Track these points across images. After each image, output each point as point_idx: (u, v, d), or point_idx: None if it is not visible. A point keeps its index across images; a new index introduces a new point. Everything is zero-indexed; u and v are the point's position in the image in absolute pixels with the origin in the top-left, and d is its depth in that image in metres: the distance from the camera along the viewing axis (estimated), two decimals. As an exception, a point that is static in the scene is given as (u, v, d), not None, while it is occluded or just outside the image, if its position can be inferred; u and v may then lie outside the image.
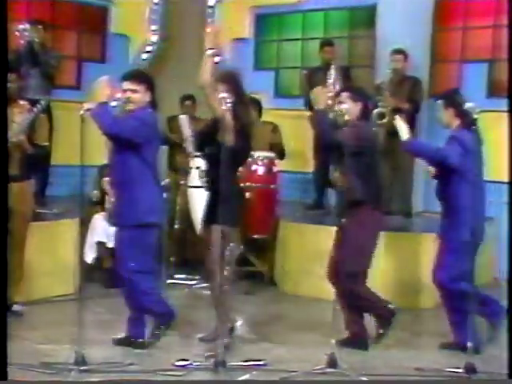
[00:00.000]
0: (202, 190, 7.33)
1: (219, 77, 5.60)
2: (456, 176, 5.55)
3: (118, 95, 5.31)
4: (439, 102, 5.80)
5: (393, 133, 7.79)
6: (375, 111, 7.85)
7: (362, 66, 9.14)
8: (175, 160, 8.48)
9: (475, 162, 5.57)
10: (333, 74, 8.09)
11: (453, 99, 5.78)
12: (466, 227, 5.41)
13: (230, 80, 5.64)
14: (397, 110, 7.81)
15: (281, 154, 7.97)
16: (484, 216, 5.75)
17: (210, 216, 5.54)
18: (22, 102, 6.12)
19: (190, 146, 7.74)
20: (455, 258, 5.51)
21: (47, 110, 7.13)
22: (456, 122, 5.68)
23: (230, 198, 5.28)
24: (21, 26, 7.42)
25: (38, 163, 7.31)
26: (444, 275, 5.56)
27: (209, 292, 5.75)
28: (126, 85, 5.39)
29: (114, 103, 5.23)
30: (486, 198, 5.78)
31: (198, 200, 7.53)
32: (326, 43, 8.66)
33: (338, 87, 7.99)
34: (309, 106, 8.50)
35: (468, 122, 5.63)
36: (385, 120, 7.81)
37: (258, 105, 8.17)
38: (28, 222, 6.29)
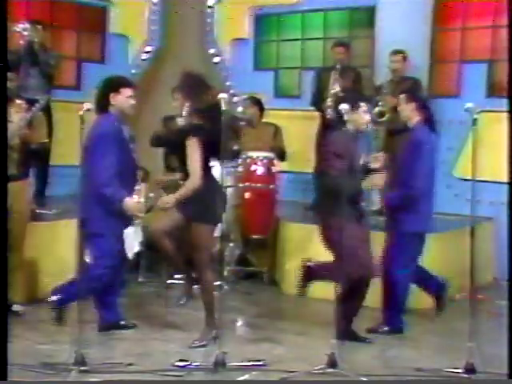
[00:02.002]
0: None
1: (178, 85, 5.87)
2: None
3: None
4: (401, 96, 6.02)
5: (393, 132, 7.85)
6: (375, 110, 7.89)
7: (361, 66, 9.13)
8: (172, 160, 8.46)
9: (432, 156, 5.92)
10: (335, 74, 8.12)
11: (414, 94, 6.06)
12: (419, 222, 5.86)
13: (186, 86, 5.73)
14: (396, 111, 7.83)
15: (282, 156, 7.97)
16: (432, 207, 6.03)
17: (188, 213, 5.59)
18: (19, 102, 6.13)
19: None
20: (404, 250, 5.88)
21: (47, 110, 7.13)
22: (416, 117, 5.92)
23: (205, 195, 5.41)
24: (20, 26, 7.42)
25: (37, 161, 7.32)
26: (393, 266, 5.87)
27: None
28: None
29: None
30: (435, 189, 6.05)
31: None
32: (339, 43, 8.61)
33: (337, 87, 8.04)
34: (315, 104, 8.54)
35: (427, 116, 5.94)
36: (384, 118, 7.84)
37: (259, 105, 8.18)
38: (26, 221, 6.30)
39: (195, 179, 5.51)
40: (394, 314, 6.05)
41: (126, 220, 5.82)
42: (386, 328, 6.04)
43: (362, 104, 5.74)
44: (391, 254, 5.97)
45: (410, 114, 5.97)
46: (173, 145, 5.89)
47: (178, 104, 5.84)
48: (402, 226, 5.92)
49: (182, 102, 5.70)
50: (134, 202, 5.54)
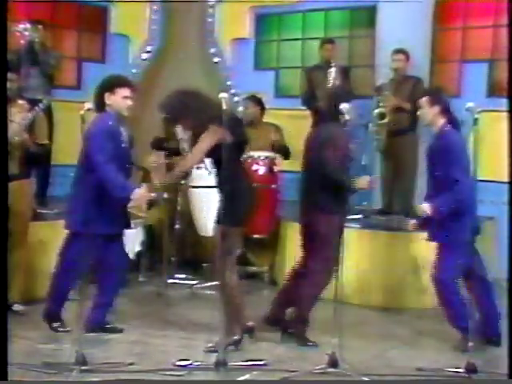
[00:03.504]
0: (203, 190, 7.39)
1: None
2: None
3: None
4: (424, 99, 5.70)
5: (394, 132, 7.85)
6: (376, 111, 7.89)
7: (361, 65, 9.13)
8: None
9: (468, 160, 5.56)
10: (333, 72, 8.12)
11: (439, 96, 5.74)
12: (467, 227, 5.44)
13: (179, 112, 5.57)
14: (398, 110, 7.84)
15: (286, 154, 7.97)
16: (476, 213, 5.69)
17: (217, 216, 5.48)
18: (20, 102, 6.13)
19: (186, 146, 7.71)
20: (456, 258, 5.50)
21: (48, 110, 7.13)
22: (441, 121, 5.64)
23: (231, 197, 5.24)
24: (21, 26, 7.41)
25: (39, 162, 7.32)
26: (444, 276, 5.55)
27: (212, 292, 5.72)
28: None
29: None
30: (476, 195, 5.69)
31: (199, 200, 7.55)
32: (327, 41, 8.67)
33: (336, 86, 8.03)
34: (306, 104, 8.54)
35: (452, 119, 5.67)
36: (385, 120, 7.83)
37: (260, 104, 8.18)
38: (27, 221, 6.30)
39: (192, 161, 5.52)
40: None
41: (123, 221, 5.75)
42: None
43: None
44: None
45: (433, 117, 5.65)
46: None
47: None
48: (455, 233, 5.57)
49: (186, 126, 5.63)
50: (142, 192, 5.39)
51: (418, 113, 5.81)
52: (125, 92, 5.60)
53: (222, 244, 5.37)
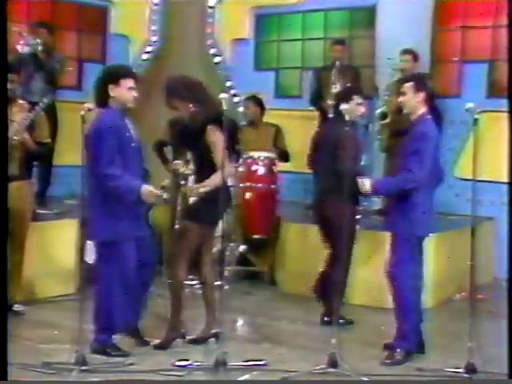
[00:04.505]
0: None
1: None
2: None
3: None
4: (408, 84, 5.43)
5: (397, 133, 7.84)
6: (378, 111, 7.90)
7: (362, 66, 9.13)
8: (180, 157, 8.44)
9: (436, 150, 5.46)
10: (336, 72, 8.12)
11: (424, 83, 5.54)
12: (423, 223, 5.41)
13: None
14: (401, 110, 7.82)
15: (285, 158, 7.98)
16: (433, 208, 5.59)
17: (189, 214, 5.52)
18: (20, 102, 6.13)
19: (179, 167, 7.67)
20: (411, 254, 5.42)
21: (51, 111, 7.13)
22: (422, 109, 5.43)
23: (208, 196, 5.31)
24: (23, 39, 7.39)
25: (40, 161, 7.33)
26: (400, 271, 5.40)
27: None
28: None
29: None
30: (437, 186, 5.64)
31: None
32: (337, 41, 8.63)
33: (338, 86, 8.04)
34: (314, 104, 8.54)
35: (432, 106, 5.60)
36: (387, 120, 7.84)
37: (260, 105, 8.18)
38: (28, 221, 6.29)
39: (229, 169, 5.49)
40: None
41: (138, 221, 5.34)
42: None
43: (354, 97, 6.10)
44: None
45: (416, 104, 5.40)
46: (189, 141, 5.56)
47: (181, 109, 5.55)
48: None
49: (183, 107, 5.47)
50: (150, 189, 5.11)
51: (401, 99, 5.50)
52: (130, 83, 5.24)
53: (183, 240, 5.51)
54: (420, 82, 5.52)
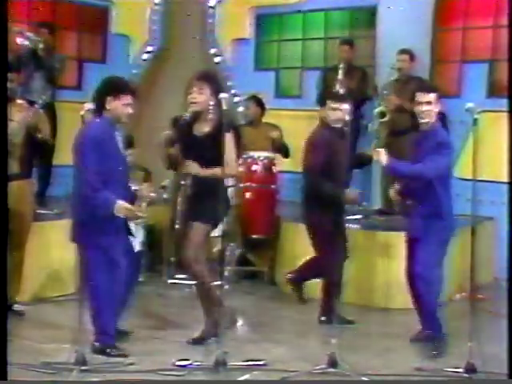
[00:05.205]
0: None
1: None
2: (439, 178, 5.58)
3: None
4: (433, 95, 5.60)
5: (396, 131, 7.85)
6: (376, 110, 7.90)
7: (362, 66, 9.13)
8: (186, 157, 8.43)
9: (451, 160, 5.71)
10: (340, 73, 8.12)
11: (440, 94, 5.67)
12: (449, 227, 5.63)
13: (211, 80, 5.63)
14: (400, 110, 7.84)
15: (286, 153, 7.98)
16: (453, 211, 5.73)
17: (189, 213, 5.55)
18: (20, 101, 6.13)
19: None
20: (442, 257, 5.62)
21: (51, 110, 7.13)
22: (435, 118, 5.61)
23: (207, 196, 5.35)
24: (23, 37, 7.38)
25: (40, 161, 7.33)
26: (430, 274, 5.55)
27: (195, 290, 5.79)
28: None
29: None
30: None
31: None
32: (344, 42, 8.63)
33: (342, 87, 8.05)
34: (320, 104, 8.53)
35: (441, 116, 5.74)
36: (386, 118, 7.84)
37: (261, 104, 8.18)
38: (28, 221, 6.29)
39: (234, 167, 5.57)
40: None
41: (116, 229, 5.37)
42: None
43: (328, 101, 6.17)
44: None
45: (433, 115, 5.59)
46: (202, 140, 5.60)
47: (197, 95, 5.54)
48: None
49: (205, 94, 5.53)
50: (124, 206, 5.16)
51: (423, 109, 5.59)
52: (128, 99, 5.30)
53: (199, 242, 5.50)
54: (438, 93, 5.67)
